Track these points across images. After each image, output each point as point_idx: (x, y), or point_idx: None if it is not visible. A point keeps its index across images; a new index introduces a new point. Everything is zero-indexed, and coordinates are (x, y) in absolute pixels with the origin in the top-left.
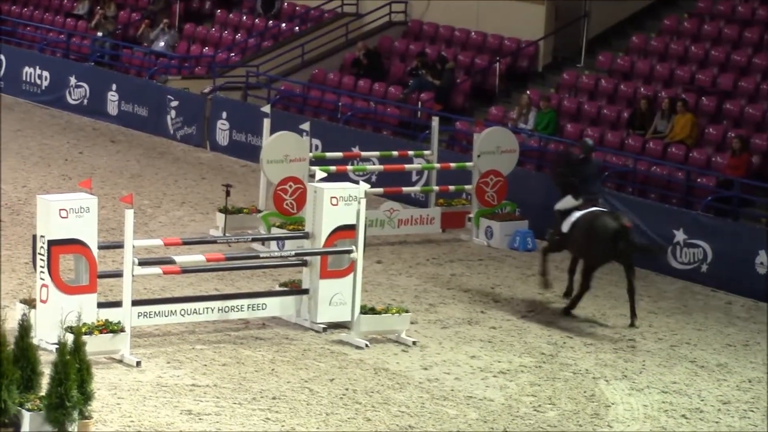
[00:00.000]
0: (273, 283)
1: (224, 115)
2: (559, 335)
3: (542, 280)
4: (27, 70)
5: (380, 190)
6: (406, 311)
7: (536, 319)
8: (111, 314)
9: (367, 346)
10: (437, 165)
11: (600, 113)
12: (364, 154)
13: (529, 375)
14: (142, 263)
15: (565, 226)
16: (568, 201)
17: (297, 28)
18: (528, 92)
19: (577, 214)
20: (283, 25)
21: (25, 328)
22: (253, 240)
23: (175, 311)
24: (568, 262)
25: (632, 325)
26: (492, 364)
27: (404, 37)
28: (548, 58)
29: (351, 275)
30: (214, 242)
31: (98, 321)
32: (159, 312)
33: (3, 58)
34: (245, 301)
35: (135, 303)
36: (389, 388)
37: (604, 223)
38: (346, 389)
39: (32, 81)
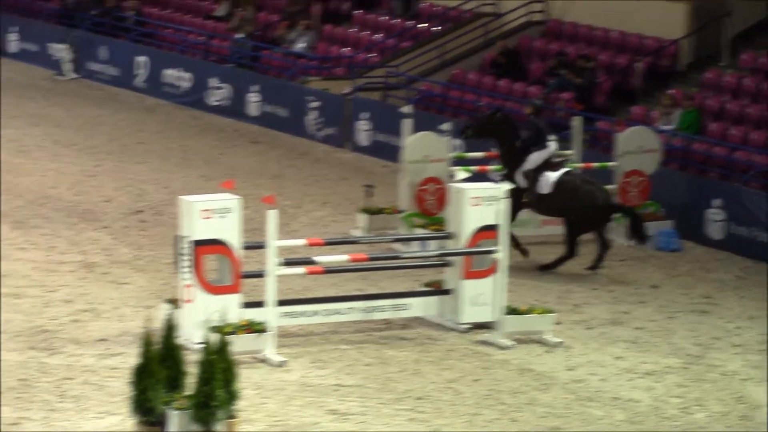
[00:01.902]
0: (415, 283)
1: (364, 115)
2: (706, 336)
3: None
4: (168, 71)
5: None
6: (551, 311)
7: (682, 320)
8: (255, 314)
9: (511, 346)
10: (579, 165)
11: (743, 112)
12: None
13: (675, 376)
14: (286, 263)
15: (545, 188)
16: (534, 159)
17: (436, 28)
18: (670, 91)
19: (555, 176)
20: (422, 25)
21: (170, 328)
22: (395, 240)
23: (318, 311)
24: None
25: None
26: (638, 365)
27: (543, 37)
28: (690, 56)
29: (494, 275)
30: (357, 242)
31: (242, 321)
32: (302, 312)
33: (146, 60)
34: (388, 302)
35: (278, 303)
36: (534, 388)
37: (594, 194)
38: (491, 390)
39: (173, 83)
